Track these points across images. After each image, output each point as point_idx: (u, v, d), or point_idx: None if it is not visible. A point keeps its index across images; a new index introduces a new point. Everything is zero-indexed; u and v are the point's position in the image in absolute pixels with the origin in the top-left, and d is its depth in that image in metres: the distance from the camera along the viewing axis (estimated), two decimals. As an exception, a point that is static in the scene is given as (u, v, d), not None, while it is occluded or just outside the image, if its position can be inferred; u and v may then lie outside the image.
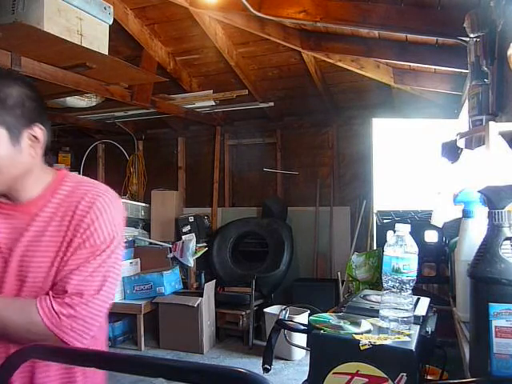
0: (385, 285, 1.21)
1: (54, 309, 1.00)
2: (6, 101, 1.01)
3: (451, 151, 2.05)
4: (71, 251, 1.04)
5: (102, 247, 1.06)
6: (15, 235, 1.07)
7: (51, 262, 1.05)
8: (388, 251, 1.21)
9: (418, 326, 1.21)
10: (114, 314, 4.21)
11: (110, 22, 2.93)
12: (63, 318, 1.00)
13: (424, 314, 1.31)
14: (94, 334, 1.08)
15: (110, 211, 1.09)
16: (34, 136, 1.05)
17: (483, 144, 1.58)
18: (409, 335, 1.14)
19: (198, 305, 4.19)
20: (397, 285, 1.18)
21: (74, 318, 1.01)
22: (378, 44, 3.40)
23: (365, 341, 1.09)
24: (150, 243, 5.02)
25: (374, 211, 4.04)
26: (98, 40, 2.82)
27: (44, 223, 1.07)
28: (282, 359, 3.90)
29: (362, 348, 1.08)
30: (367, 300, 1.44)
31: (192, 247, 4.68)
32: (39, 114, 1.07)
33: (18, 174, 1.05)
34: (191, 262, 4.69)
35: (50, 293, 1.02)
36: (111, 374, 0.92)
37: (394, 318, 1.19)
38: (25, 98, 1.03)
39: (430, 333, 1.22)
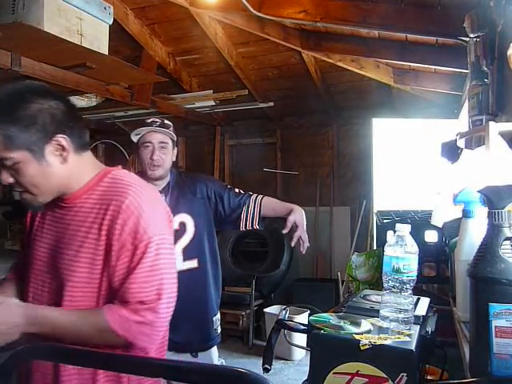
0: (385, 285, 1.21)
1: (122, 315, 1.04)
2: (19, 123, 1.03)
3: (451, 151, 2.05)
4: (115, 255, 1.07)
5: (141, 246, 1.07)
6: (62, 225, 1.14)
7: (91, 259, 1.08)
8: (388, 251, 1.21)
9: (418, 326, 1.21)
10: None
11: (110, 22, 2.93)
12: (132, 324, 1.04)
13: (424, 314, 1.31)
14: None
15: (141, 210, 1.09)
16: (59, 145, 1.08)
17: (483, 144, 1.58)
18: (409, 335, 1.14)
19: (198, 305, 4.19)
20: (397, 285, 1.18)
21: (142, 324, 1.04)
22: (378, 44, 3.40)
23: (365, 341, 1.09)
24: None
25: (374, 211, 4.04)
26: (98, 40, 2.82)
27: (82, 217, 1.12)
28: (282, 359, 3.90)
29: (362, 348, 1.08)
30: (367, 300, 1.43)
31: (192, 247, 4.68)
32: (59, 123, 1.08)
33: (56, 183, 1.11)
34: (191, 262, 4.68)
35: (116, 301, 1.07)
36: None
37: (394, 318, 1.19)
38: (37, 114, 1.05)
39: (429, 333, 1.22)
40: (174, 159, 2.07)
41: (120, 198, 1.09)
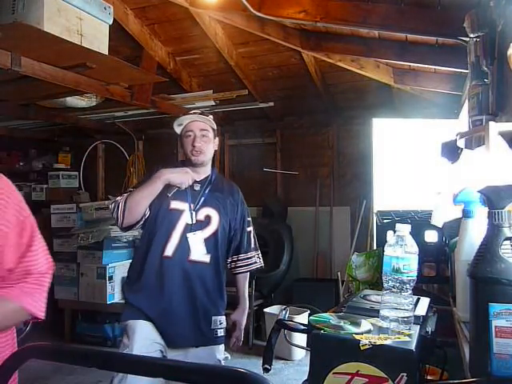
0: (385, 285, 1.21)
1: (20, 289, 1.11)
2: None
3: (451, 151, 2.05)
4: None
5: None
6: None
7: None
8: (388, 251, 1.21)
9: (418, 326, 1.21)
10: (115, 314, 4.21)
11: (110, 22, 2.93)
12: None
13: (424, 314, 1.31)
14: None
15: None
16: None
17: (483, 144, 1.58)
18: (409, 335, 1.14)
19: (198, 305, 4.18)
20: (397, 285, 1.18)
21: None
22: (378, 44, 3.40)
23: (365, 341, 1.09)
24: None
25: (374, 211, 4.04)
26: (98, 40, 2.82)
27: None
28: (282, 359, 3.90)
29: (362, 348, 1.08)
30: (367, 300, 1.44)
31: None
32: None
33: None
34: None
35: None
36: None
37: (394, 318, 1.19)
38: None
39: (429, 333, 1.22)
40: (216, 149, 2.16)
41: None
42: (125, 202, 1.94)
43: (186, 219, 1.99)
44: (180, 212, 1.99)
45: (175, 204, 1.99)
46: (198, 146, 2.02)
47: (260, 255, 2.25)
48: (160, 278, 1.95)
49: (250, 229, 2.21)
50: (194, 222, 2.00)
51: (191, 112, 2.13)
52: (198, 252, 1.99)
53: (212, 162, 2.16)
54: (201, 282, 2.00)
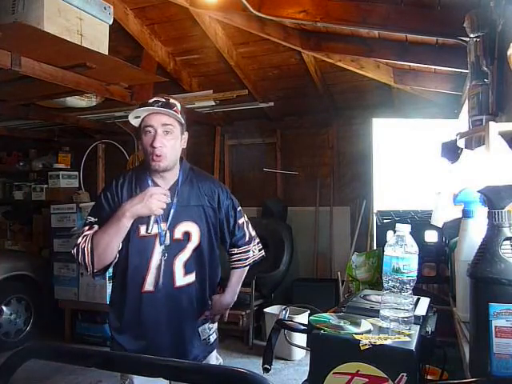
0: (385, 285, 1.21)
1: None
2: None
3: (451, 151, 2.05)
4: None
5: None
6: None
7: None
8: (388, 251, 1.21)
9: (418, 326, 1.21)
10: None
11: (110, 22, 2.93)
12: None
13: (424, 313, 1.31)
14: None
15: None
16: None
17: (483, 144, 1.58)
18: (409, 335, 1.14)
19: (198, 305, 4.18)
20: (397, 285, 1.18)
21: None
22: (378, 44, 3.40)
23: (365, 341, 1.09)
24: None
25: (374, 211, 4.04)
26: (98, 40, 2.82)
27: None
28: (282, 359, 3.90)
29: (362, 348, 1.08)
30: (367, 300, 1.44)
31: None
32: None
33: None
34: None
35: None
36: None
37: (394, 318, 1.19)
38: None
39: (430, 333, 1.22)
40: (184, 146, 1.75)
41: None
42: (91, 248, 1.61)
43: (161, 243, 1.69)
44: (153, 237, 1.67)
45: (145, 229, 1.65)
46: (158, 148, 1.62)
47: (257, 246, 1.98)
48: (142, 315, 1.71)
49: (242, 220, 1.91)
50: (169, 243, 1.69)
51: (152, 100, 1.67)
52: (183, 275, 1.73)
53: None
54: (188, 303, 1.77)
